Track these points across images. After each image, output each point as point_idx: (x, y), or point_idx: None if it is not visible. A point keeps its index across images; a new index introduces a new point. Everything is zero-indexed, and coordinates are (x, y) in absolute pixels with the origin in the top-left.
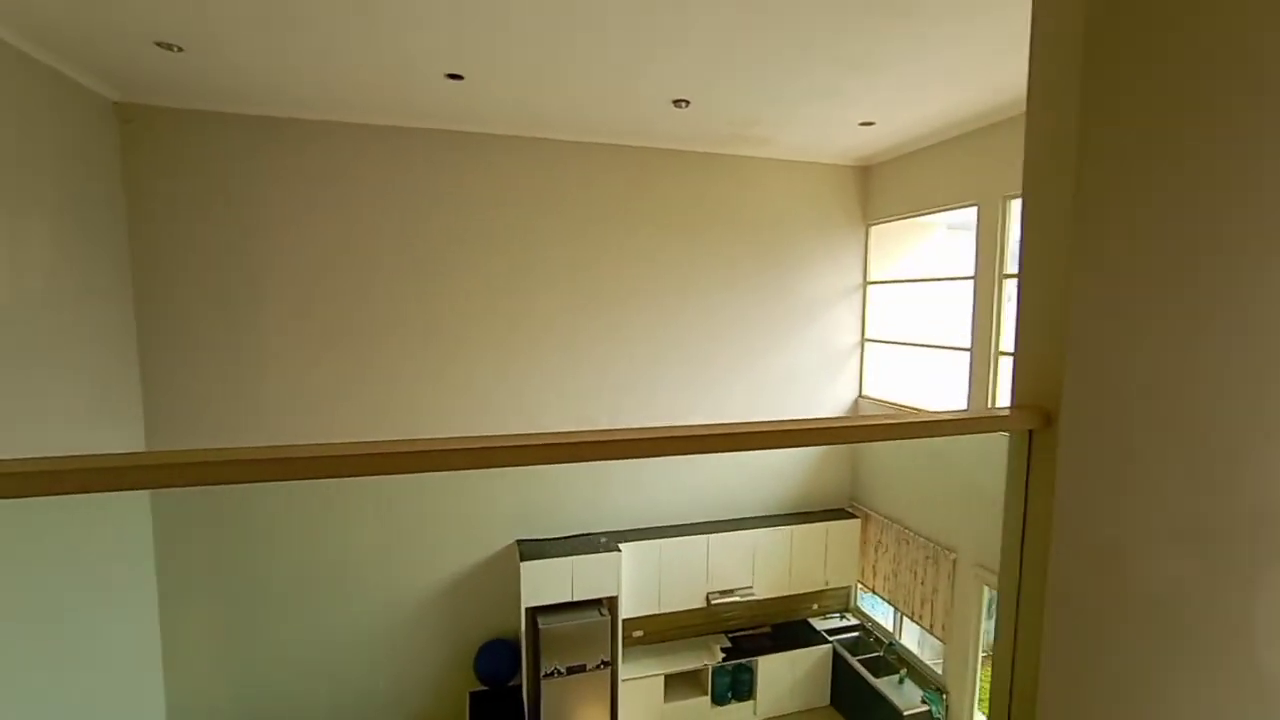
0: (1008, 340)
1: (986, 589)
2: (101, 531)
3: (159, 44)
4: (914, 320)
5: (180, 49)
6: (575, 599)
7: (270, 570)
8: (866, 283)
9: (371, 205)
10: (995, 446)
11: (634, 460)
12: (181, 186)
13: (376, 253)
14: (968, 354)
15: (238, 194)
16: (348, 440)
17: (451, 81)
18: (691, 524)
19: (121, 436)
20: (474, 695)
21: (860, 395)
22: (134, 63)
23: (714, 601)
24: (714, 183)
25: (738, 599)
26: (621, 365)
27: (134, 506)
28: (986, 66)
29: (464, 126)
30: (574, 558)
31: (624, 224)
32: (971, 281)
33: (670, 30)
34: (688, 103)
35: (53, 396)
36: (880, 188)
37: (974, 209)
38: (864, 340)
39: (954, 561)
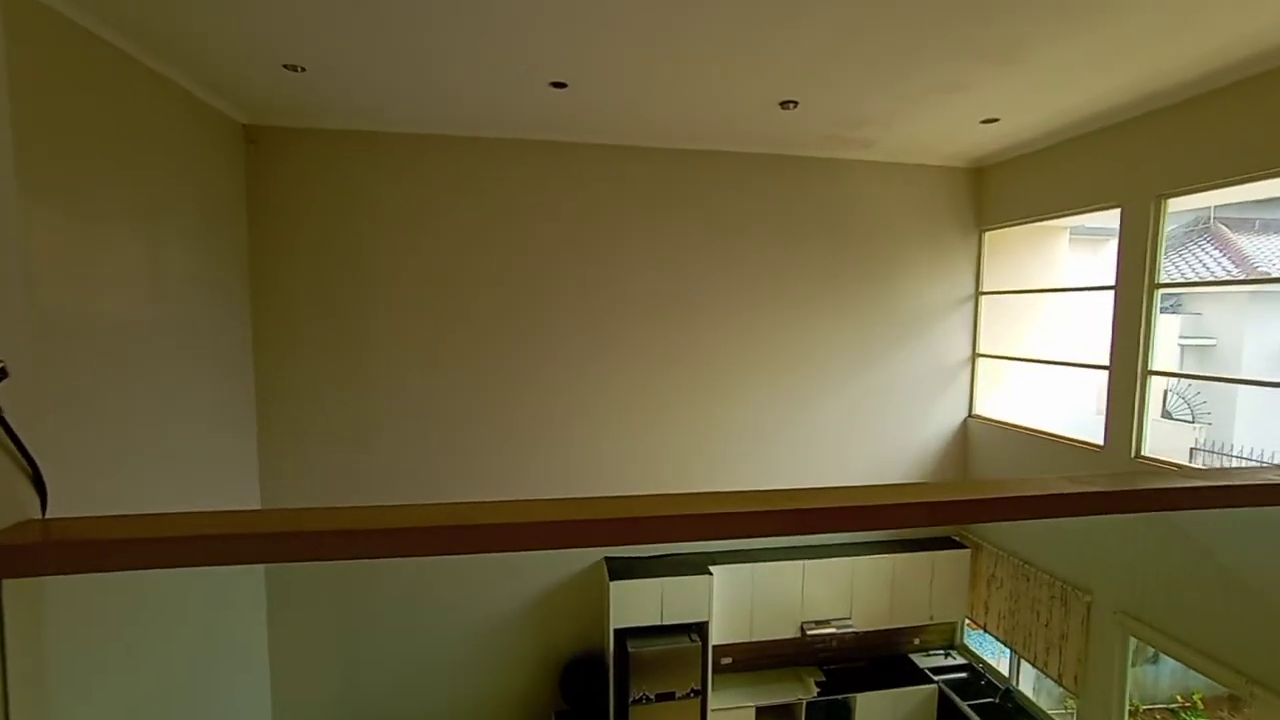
0: (1158, 358)
1: (1134, 640)
2: None
3: (286, 66)
4: (1030, 336)
5: (303, 69)
6: (665, 622)
7: (373, 576)
8: (979, 293)
9: (481, 216)
10: (1115, 469)
11: (725, 478)
12: (297, 202)
13: (485, 266)
14: (1105, 372)
15: (350, 208)
16: (458, 470)
17: (556, 90)
18: (785, 547)
19: (238, 442)
20: (559, 715)
21: (970, 415)
22: (262, 85)
23: (809, 632)
24: (811, 189)
25: (834, 629)
26: (708, 376)
27: None
28: (1144, 48)
29: (563, 136)
30: (664, 579)
31: (713, 230)
32: (1112, 292)
33: (783, 21)
34: (796, 104)
35: (180, 399)
36: (998, 190)
37: (1116, 211)
38: (975, 355)
39: (1088, 605)
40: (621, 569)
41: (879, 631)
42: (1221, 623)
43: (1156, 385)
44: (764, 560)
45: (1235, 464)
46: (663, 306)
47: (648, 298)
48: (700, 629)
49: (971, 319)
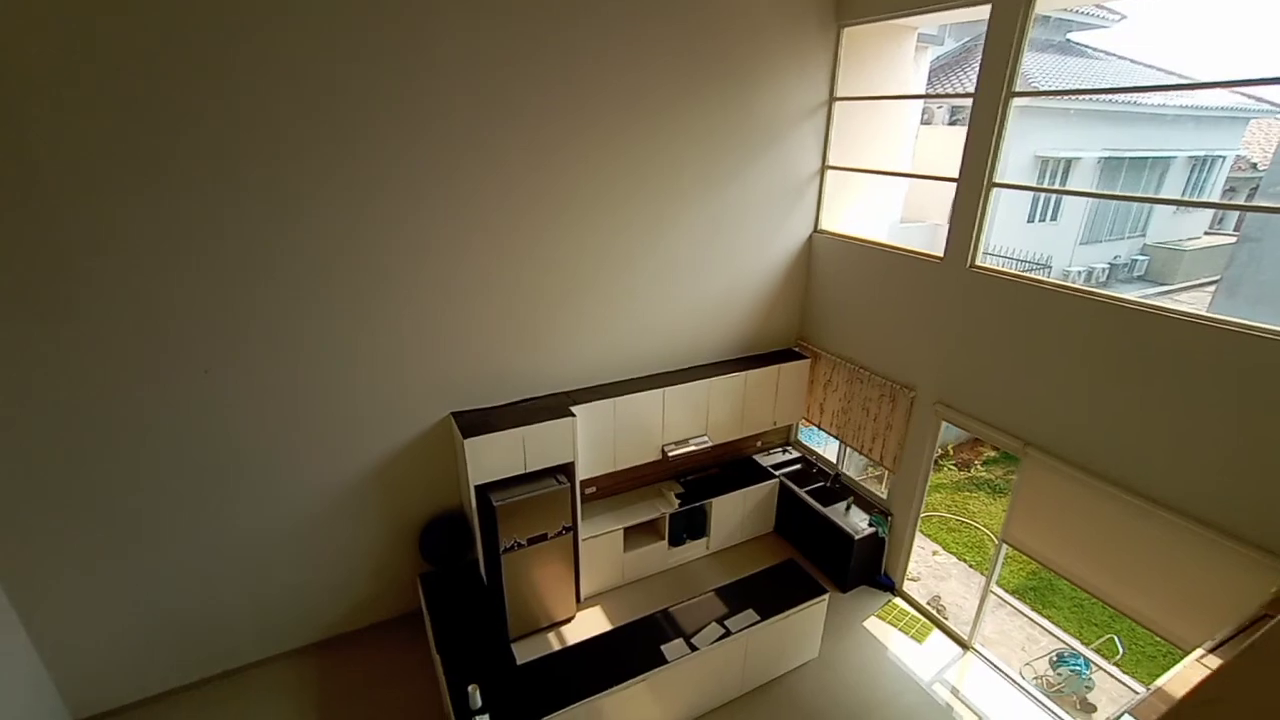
0: (1004, 170)
1: (944, 423)
2: None
3: None
4: (873, 147)
5: None
6: (530, 470)
7: (147, 473)
8: (833, 99)
9: None
10: (975, 289)
11: (578, 314)
12: None
13: None
14: (953, 185)
15: None
16: None
17: None
18: (645, 377)
19: None
20: (425, 576)
21: (816, 230)
22: None
23: (670, 453)
24: None
25: (693, 448)
26: (550, 205)
27: None
28: None
29: None
30: (524, 429)
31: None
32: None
33: None
34: None
35: None
36: None
37: (984, 9)
38: (824, 168)
39: (912, 399)
40: (475, 424)
41: (730, 442)
42: (1011, 402)
43: (1001, 196)
44: (625, 393)
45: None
46: (483, 133)
47: (463, 120)
48: (566, 470)
49: (824, 128)
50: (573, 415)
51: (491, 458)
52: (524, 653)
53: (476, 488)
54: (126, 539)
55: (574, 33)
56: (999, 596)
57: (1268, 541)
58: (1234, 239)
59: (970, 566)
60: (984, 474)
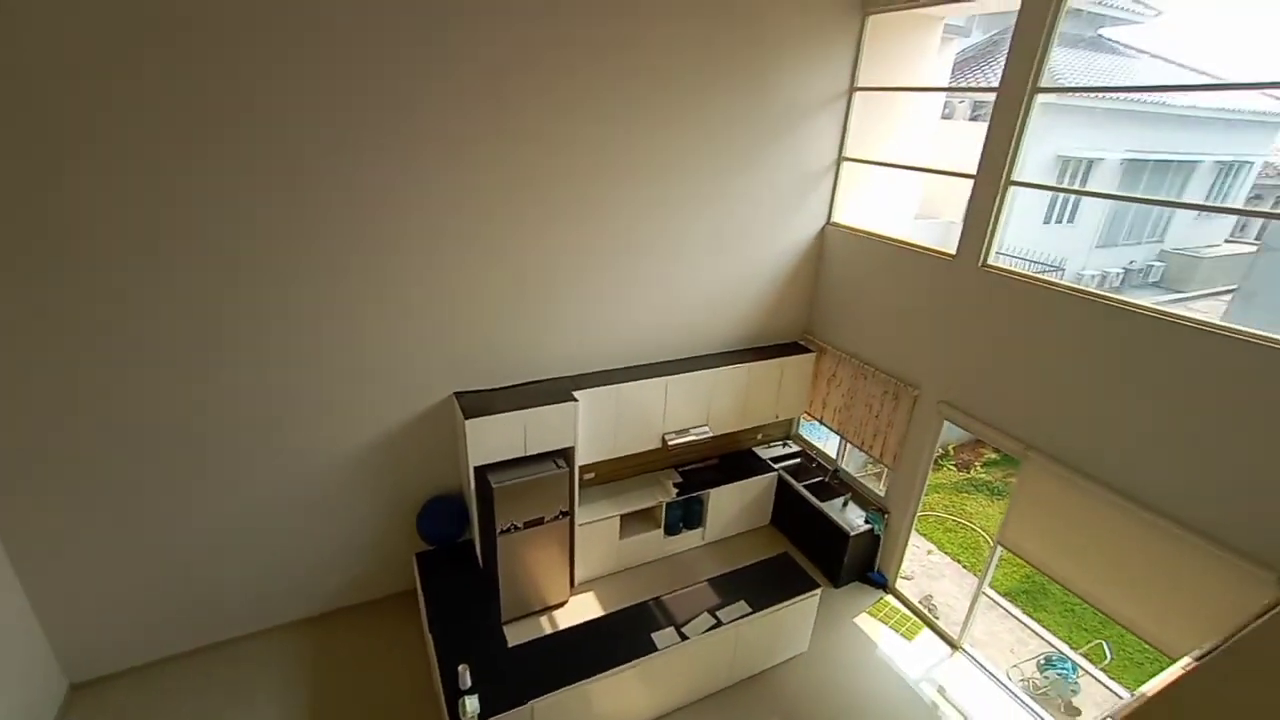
0: (1023, 169)
1: (948, 424)
2: None
3: None
4: (893, 139)
5: None
6: (530, 453)
7: (149, 442)
8: (854, 89)
9: None
10: (986, 288)
11: (585, 298)
12: None
13: None
14: (971, 181)
15: None
16: None
17: None
18: (648, 365)
19: None
20: (421, 555)
21: (829, 222)
22: None
23: (670, 442)
24: None
25: (694, 438)
26: (573, 184)
27: None
28: None
29: None
30: (525, 411)
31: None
32: (993, 97)
33: None
34: None
35: None
36: None
37: (1014, 1)
38: (841, 159)
39: (915, 397)
40: (476, 405)
41: (730, 434)
42: (1015, 404)
43: (1019, 195)
44: (629, 380)
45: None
46: (503, 120)
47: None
48: (566, 454)
49: (842, 118)
50: (575, 400)
51: (492, 439)
52: (516, 635)
53: (476, 469)
54: (127, 507)
55: (601, 29)
56: (991, 598)
57: (1262, 554)
58: (1255, 248)
59: (964, 567)
60: (984, 476)
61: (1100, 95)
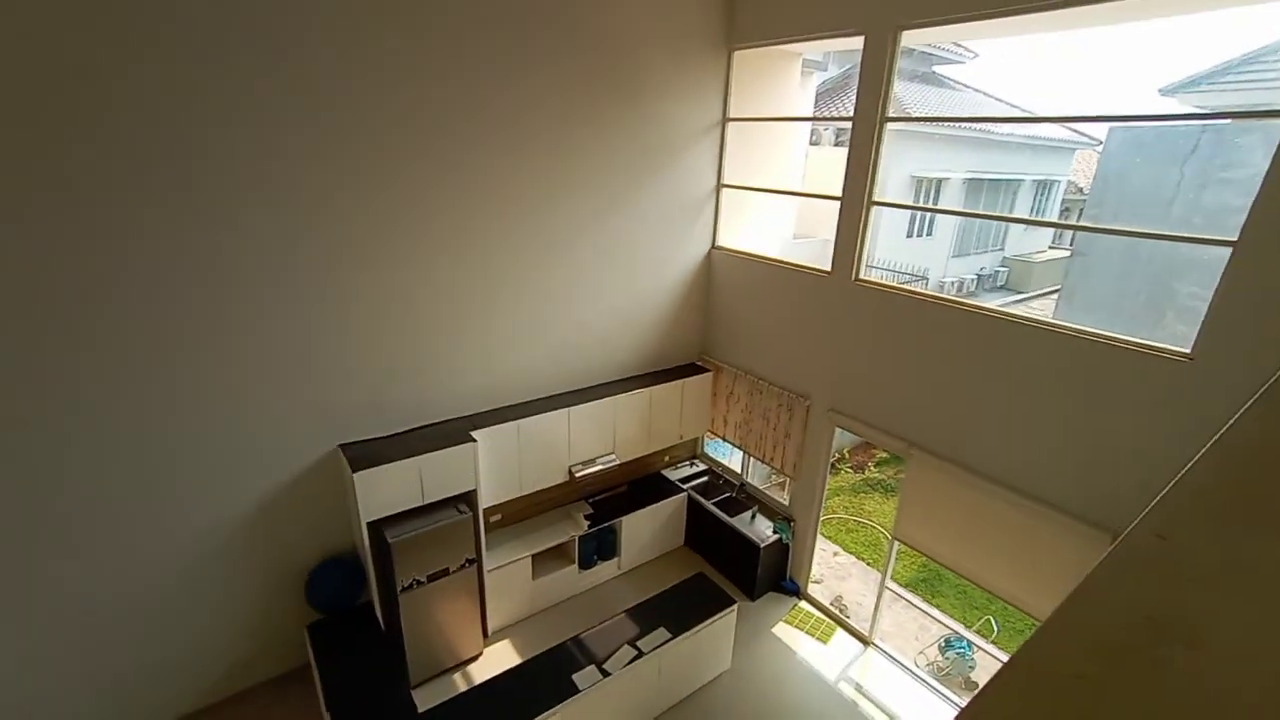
0: (883, 189)
1: (838, 431)
2: None
3: None
4: (765, 166)
5: None
6: (428, 501)
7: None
8: (726, 119)
9: None
10: (859, 300)
11: (479, 335)
12: None
13: None
14: (838, 203)
15: None
16: None
17: None
18: (550, 397)
19: None
20: (314, 626)
21: (714, 246)
22: None
23: (578, 474)
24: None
25: (601, 467)
26: (451, 221)
27: None
28: None
29: None
30: (421, 458)
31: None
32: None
33: None
34: None
35: None
36: (751, 5)
37: (859, 40)
38: (720, 186)
39: (808, 407)
40: (366, 456)
41: (638, 459)
42: (895, 406)
43: (881, 215)
44: (530, 414)
45: (878, 274)
46: (371, 151)
47: (353, 140)
48: (468, 498)
49: (718, 148)
50: (474, 440)
51: (385, 491)
52: (426, 699)
53: (369, 524)
54: None
55: (475, 72)
56: (894, 591)
57: (1096, 517)
58: (1069, 253)
59: (868, 564)
60: (878, 475)
61: (938, 123)
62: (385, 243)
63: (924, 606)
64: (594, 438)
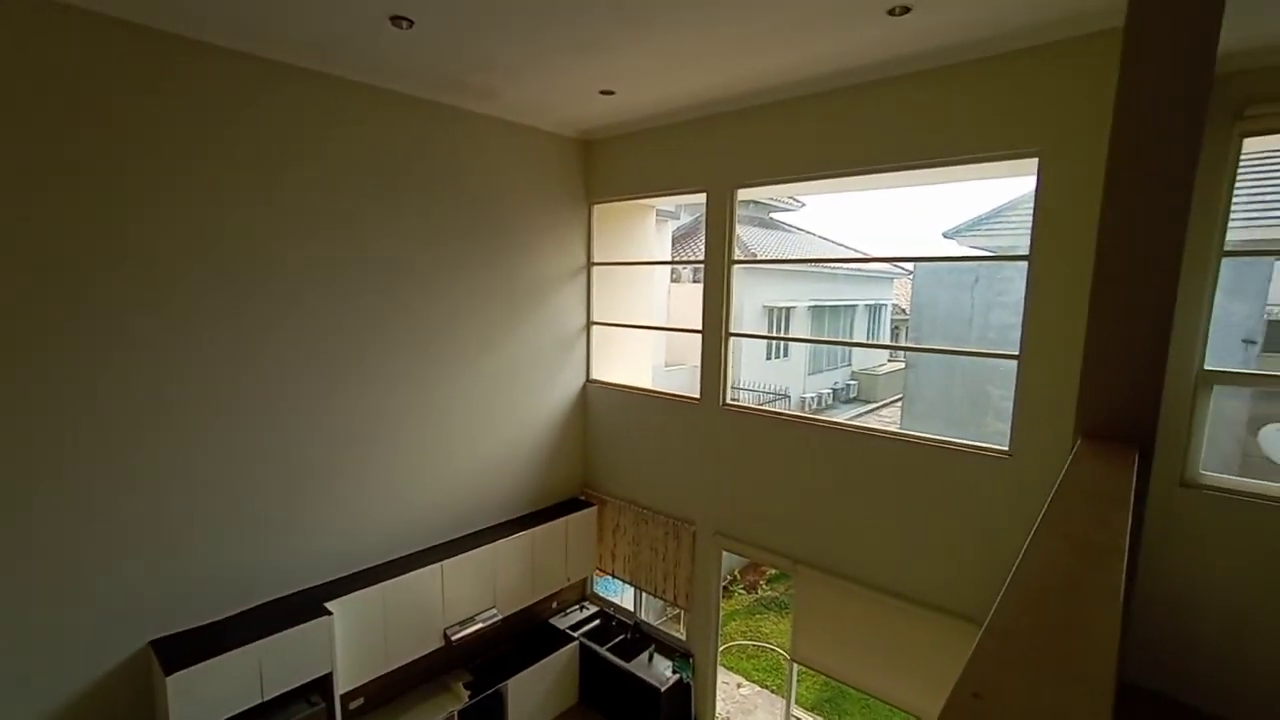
0: (740, 320)
1: (726, 554)
2: None
3: None
4: (630, 304)
5: None
6: (270, 697)
7: None
8: (591, 264)
9: None
10: (729, 423)
11: (336, 491)
12: None
13: None
14: (699, 335)
15: None
16: None
17: None
18: (419, 552)
19: None
20: None
21: (589, 380)
22: None
23: (454, 637)
24: (426, 140)
25: (481, 625)
26: (328, 359)
27: None
28: (751, 49)
29: None
30: (260, 644)
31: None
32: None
33: None
34: (411, 23)
35: None
36: (605, 165)
37: (702, 195)
38: (590, 323)
39: (693, 533)
40: (185, 652)
41: (523, 610)
42: (776, 524)
43: (741, 345)
44: (397, 574)
45: (746, 396)
46: (208, 284)
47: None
48: (322, 685)
49: (585, 289)
50: (329, 614)
51: (211, 693)
52: None
53: None
54: None
55: (332, 231)
56: (799, 719)
57: (968, 610)
58: (903, 365)
59: (772, 692)
60: (770, 593)
61: (778, 263)
62: (232, 413)
63: None
64: (472, 592)
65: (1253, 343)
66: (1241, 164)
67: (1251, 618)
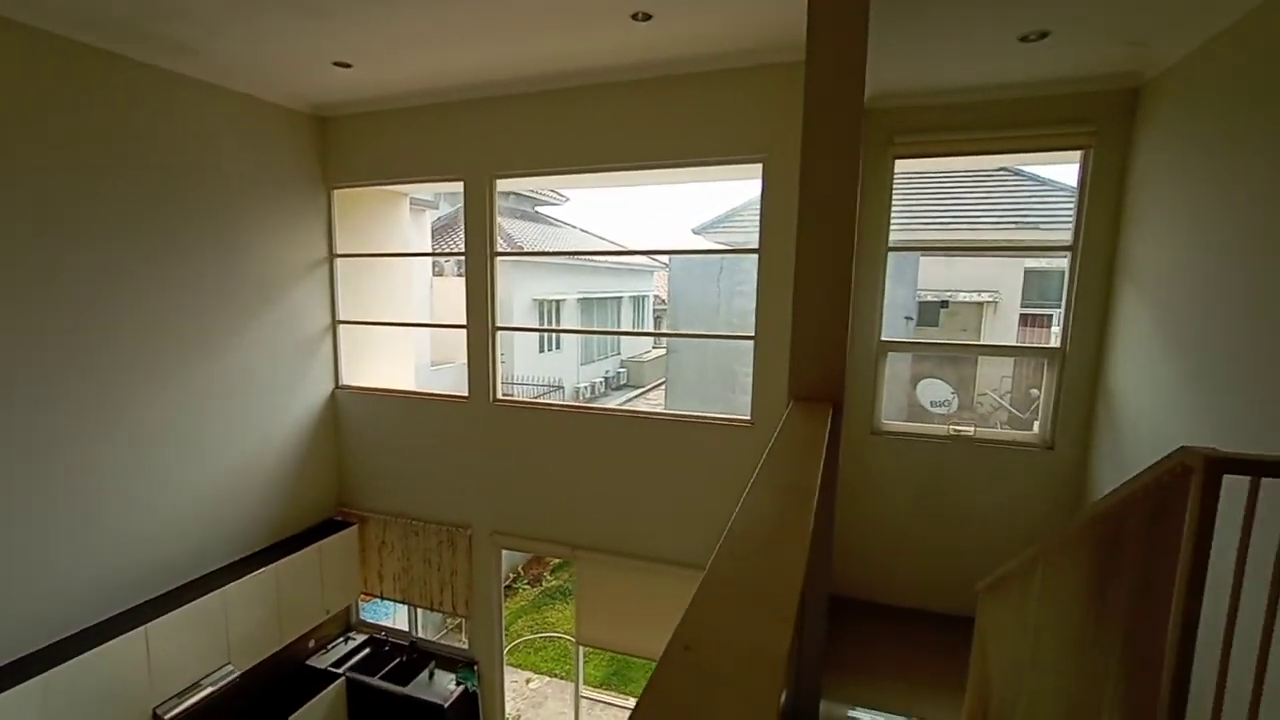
0: (509, 314)
1: (506, 552)
2: None
3: None
4: (386, 299)
5: None
6: None
7: None
8: (333, 255)
9: None
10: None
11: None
12: None
13: None
14: (464, 330)
15: None
16: None
17: None
18: (117, 615)
19: None
20: None
21: (338, 386)
22: None
23: (169, 715)
24: (109, 102)
25: (210, 690)
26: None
27: None
28: (495, 38)
29: None
30: None
31: None
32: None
33: None
34: None
35: None
36: (347, 146)
37: (459, 184)
38: (335, 323)
39: (470, 537)
40: None
41: (270, 657)
42: (553, 514)
43: (508, 339)
44: (78, 652)
45: (520, 389)
46: None
47: None
48: None
49: (328, 284)
50: None
51: None
52: None
53: None
54: None
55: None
56: (589, 699)
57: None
58: (664, 352)
59: (562, 679)
60: (554, 582)
61: (543, 256)
62: None
63: (619, 701)
64: (196, 651)
65: (910, 319)
66: (897, 180)
67: (906, 534)
